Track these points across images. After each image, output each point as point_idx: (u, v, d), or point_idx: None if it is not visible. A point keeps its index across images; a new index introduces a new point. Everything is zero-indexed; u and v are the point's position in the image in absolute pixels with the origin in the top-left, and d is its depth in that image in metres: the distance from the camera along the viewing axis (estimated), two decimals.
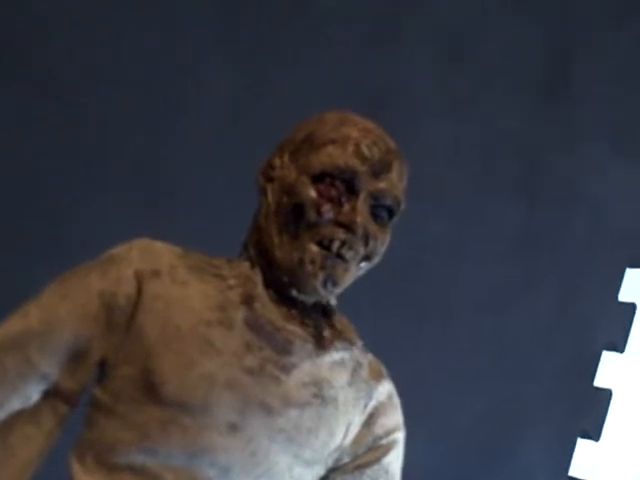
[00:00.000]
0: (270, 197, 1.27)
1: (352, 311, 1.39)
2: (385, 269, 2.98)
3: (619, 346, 3.37)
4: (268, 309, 1.24)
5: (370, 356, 1.35)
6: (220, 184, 2.59)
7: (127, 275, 1.23)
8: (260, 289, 1.25)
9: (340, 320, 1.32)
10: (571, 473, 3.36)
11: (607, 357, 3.38)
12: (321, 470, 1.28)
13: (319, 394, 1.24)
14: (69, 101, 2.52)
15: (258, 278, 1.26)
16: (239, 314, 1.23)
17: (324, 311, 1.31)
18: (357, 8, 2.91)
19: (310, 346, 1.25)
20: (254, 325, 1.22)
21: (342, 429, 1.27)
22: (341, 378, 1.28)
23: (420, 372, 2.88)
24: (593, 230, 3.38)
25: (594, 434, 3.35)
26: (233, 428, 1.17)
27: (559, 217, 3.32)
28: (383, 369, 1.36)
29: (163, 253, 1.27)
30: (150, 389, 1.17)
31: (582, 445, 3.36)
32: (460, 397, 3.15)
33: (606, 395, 3.34)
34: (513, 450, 3.28)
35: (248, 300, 1.24)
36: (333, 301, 1.33)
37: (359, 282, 1.36)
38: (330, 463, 1.29)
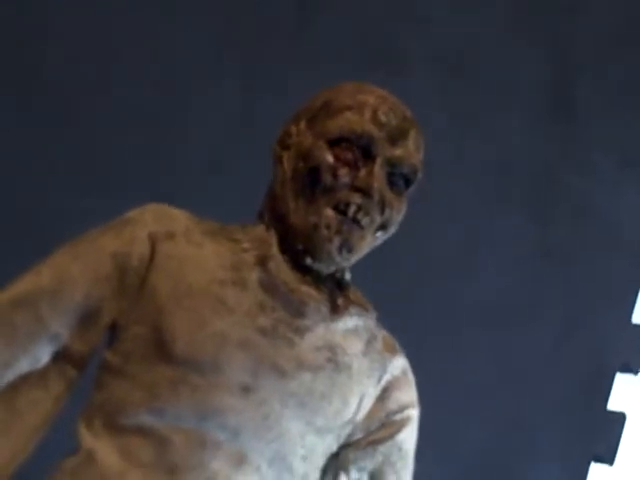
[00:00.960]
0: (286, 164, 1.27)
1: None
2: (391, 286, 2.94)
3: (634, 368, 3.32)
4: (283, 270, 1.23)
5: (384, 331, 1.33)
6: (220, 184, 2.59)
7: (141, 236, 1.23)
8: (275, 250, 1.24)
9: (354, 292, 1.31)
10: None
11: (621, 379, 3.31)
12: (333, 443, 1.25)
13: (333, 359, 1.21)
14: (69, 101, 2.55)
15: (273, 240, 1.25)
16: (253, 275, 1.22)
17: (339, 284, 1.29)
18: (360, 25, 2.91)
19: (325, 310, 1.24)
20: (268, 286, 1.21)
21: (355, 399, 1.24)
22: (355, 346, 1.26)
23: (424, 392, 2.82)
24: (606, 250, 3.36)
25: (608, 458, 3.28)
26: (245, 390, 1.15)
27: (571, 237, 3.31)
28: (397, 344, 1.34)
29: (178, 217, 1.27)
30: (161, 347, 1.16)
31: (595, 469, 3.29)
32: (469, 419, 3.10)
33: (620, 418, 3.27)
34: (524, 474, 3.23)
35: (263, 261, 1.23)
36: (348, 275, 1.31)
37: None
38: (342, 437, 1.26)
